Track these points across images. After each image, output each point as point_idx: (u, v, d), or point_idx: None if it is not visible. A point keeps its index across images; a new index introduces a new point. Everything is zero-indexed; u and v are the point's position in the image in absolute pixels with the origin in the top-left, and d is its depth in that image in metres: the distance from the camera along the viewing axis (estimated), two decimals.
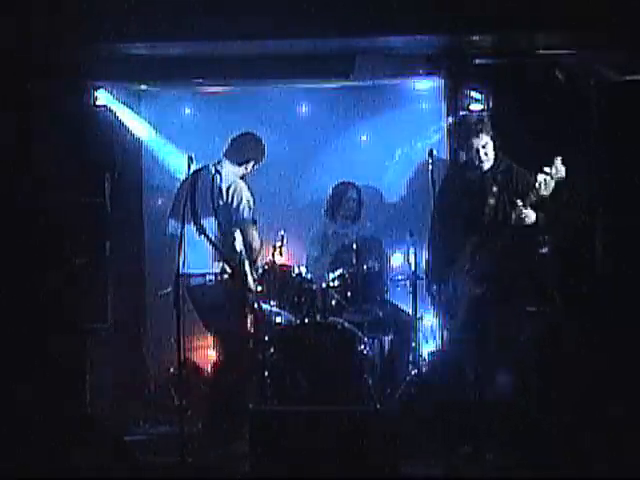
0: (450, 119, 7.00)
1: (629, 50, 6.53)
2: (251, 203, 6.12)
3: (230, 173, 6.19)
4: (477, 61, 6.95)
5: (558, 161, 5.44)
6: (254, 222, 6.14)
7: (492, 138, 5.75)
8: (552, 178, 5.41)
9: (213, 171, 6.19)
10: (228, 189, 6.09)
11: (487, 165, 5.72)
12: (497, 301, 5.65)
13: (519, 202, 5.51)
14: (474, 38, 6.60)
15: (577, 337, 6.33)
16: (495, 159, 5.75)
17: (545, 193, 5.44)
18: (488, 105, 6.95)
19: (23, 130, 6.90)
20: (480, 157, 5.69)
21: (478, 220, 5.66)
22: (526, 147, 6.69)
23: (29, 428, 6.02)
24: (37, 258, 6.75)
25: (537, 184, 5.43)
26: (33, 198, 6.90)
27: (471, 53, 6.90)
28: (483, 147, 5.69)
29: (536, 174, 5.48)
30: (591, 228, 6.74)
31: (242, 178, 6.29)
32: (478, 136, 5.67)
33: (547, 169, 5.41)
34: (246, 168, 6.27)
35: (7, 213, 6.81)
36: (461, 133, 5.79)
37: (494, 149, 5.77)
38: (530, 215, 5.54)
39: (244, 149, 6.25)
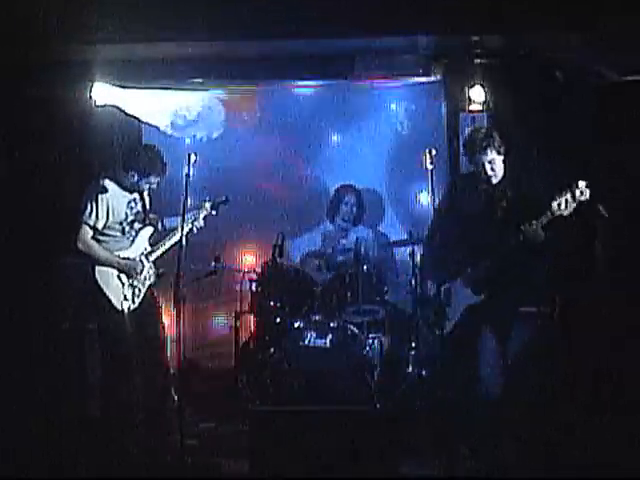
0: (451, 119, 7.02)
1: (629, 50, 6.53)
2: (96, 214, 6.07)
3: (107, 182, 6.14)
4: (477, 61, 6.95)
5: (583, 184, 5.36)
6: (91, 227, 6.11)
7: (500, 153, 5.68)
8: (575, 200, 5.34)
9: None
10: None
11: (495, 180, 5.68)
12: (496, 309, 5.63)
13: (528, 225, 5.46)
14: (474, 38, 6.60)
15: (575, 339, 6.34)
16: (505, 173, 5.70)
17: (564, 213, 5.37)
18: (487, 105, 6.95)
19: (22, 130, 6.91)
20: (487, 172, 5.65)
21: (483, 231, 5.62)
22: (525, 147, 6.70)
23: (29, 428, 6.03)
24: (37, 257, 6.75)
25: (556, 204, 5.35)
26: (32, 197, 6.91)
27: (471, 53, 6.90)
28: (489, 162, 5.64)
29: (554, 194, 5.40)
30: (592, 229, 6.74)
31: (134, 188, 6.23)
32: (485, 152, 5.62)
33: (572, 191, 5.33)
34: (132, 177, 6.17)
35: (6, 213, 6.82)
36: (469, 148, 5.73)
37: (504, 164, 5.71)
38: (540, 235, 5.50)
39: (128, 158, 6.22)
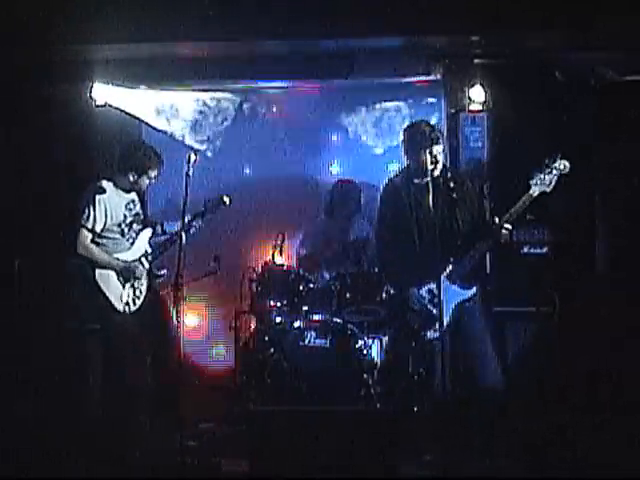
0: (451, 119, 7.03)
1: (629, 50, 6.53)
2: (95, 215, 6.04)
3: (105, 184, 6.13)
4: (477, 61, 6.95)
5: (561, 156, 5.48)
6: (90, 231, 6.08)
7: (443, 143, 5.79)
8: (556, 172, 5.44)
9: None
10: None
11: (437, 172, 5.72)
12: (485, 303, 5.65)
13: (496, 219, 5.55)
14: (474, 38, 6.60)
15: (575, 339, 6.35)
16: (443, 166, 5.77)
17: (547, 189, 5.47)
18: (488, 105, 6.95)
19: (22, 130, 6.92)
20: (438, 164, 5.68)
21: (444, 225, 5.62)
22: (525, 147, 6.70)
23: (29, 428, 6.04)
24: (37, 258, 6.75)
25: (537, 180, 5.45)
26: (32, 197, 6.91)
27: (471, 53, 6.90)
28: (440, 153, 5.71)
29: (531, 174, 5.51)
30: (590, 228, 6.75)
31: (133, 188, 6.22)
32: (439, 142, 5.67)
33: (550, 163, 5.45)
34: (132, 178, 6.15)
35: (6, 213, 6.82)
36: (416, 140, 5.72)
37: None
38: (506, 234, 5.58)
39: (124, 159, 6.20)
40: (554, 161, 5.52)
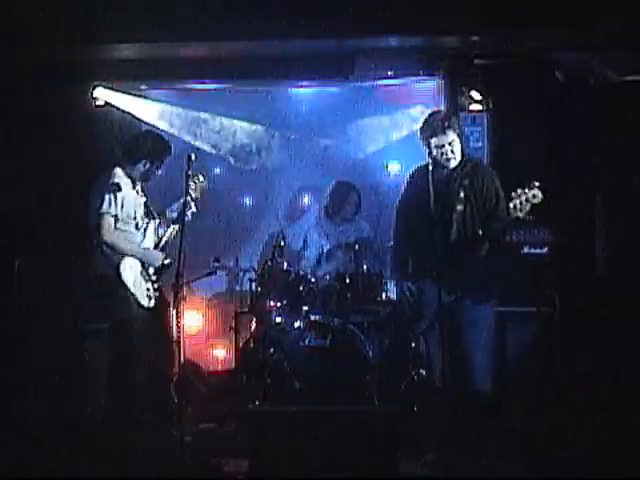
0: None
1: (629, 50, 6.54)
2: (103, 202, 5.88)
3: (119, 174, 5.98)
4: (477, 61, 6.95)
5: (536, 186, 5.32)
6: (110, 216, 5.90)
7: (459, 136, 5.68)
8: (528, 202, 5.31)
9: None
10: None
11: (453, 164, 5.64)
12: (468, 306, 5.60)
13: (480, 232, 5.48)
14: (474, 38, 6.60)
15: (575, 339, 6.35)
16: (461, 159, 5.68)
17: (520, 215, 5.35)
18: (488, 105, 6.96)
19: (22, 131, 6.92)
20: (447, 155, 5.60)
21: (446, 224, 5.57)
22: (525, 147, 6.71)
23: (29, 428, 6.04)
24: (37, 258, 6.75)
25: (512, 205, 5.32)
26: (33, 197, 6.91)
27: (471, 53, 6.91)
28: (450, 144, 5.62)
29: (510, 193, 5.38)
30: (590, 228, 6.76)
31: (143, 177, 6.10)
32: (445, 133, 5.60)
33: (525, 192, 5.30)
34: (143, 167, 6.02)
35: (7, 213, 6.82)
36: (428, 130, 5.67)
37: (460, 149, 5.70)
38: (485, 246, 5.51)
39: (136, 147, 6.08)
40: (529, 189, 5.29)
